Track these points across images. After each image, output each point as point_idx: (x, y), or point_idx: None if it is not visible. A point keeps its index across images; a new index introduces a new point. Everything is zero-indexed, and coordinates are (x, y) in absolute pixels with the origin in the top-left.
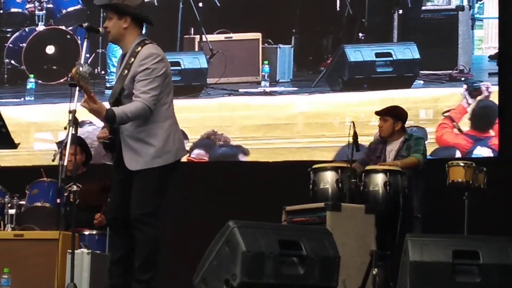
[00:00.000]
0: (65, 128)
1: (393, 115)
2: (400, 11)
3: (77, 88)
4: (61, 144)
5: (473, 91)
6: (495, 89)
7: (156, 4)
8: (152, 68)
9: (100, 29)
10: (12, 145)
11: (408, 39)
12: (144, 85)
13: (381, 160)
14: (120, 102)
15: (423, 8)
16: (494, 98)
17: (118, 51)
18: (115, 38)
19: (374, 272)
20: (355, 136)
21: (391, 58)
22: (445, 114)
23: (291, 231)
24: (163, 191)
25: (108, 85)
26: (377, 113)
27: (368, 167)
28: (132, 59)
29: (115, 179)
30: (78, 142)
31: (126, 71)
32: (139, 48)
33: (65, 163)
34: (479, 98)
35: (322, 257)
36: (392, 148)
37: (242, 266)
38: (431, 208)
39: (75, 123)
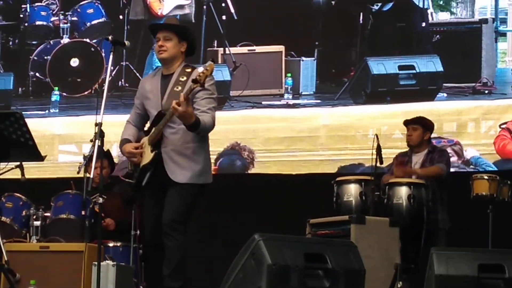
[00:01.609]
0: (91, 141)
1: (423, 125)
2: (423, 24)
3: (103, 101)
4: (88, 157)
5: None
6: None
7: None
8: (211, 90)
9: (126, 42)
10: (39, 157)
11: (431, 51)
12: (208, 102)
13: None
14: (163, 115)
15: (447, 20)
16: None
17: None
18: (170, 59)
19: (398, 286)
20: (379, 149)
21: (414, 71)
22: (502, 126)
23: (316, 244)
24: (194, 208)
25: None
26: (405, 122)
27: (391, 180)
28: (184, 78)
29: (146, 196)
30: (106, 155)
31: (179, 88)
32: (189, 69)
33: (92, 176)
34: None
35: (347, 270)
36: (417, 160)
37: (268, 279)
38: (455, 221)
39: (101, 135)
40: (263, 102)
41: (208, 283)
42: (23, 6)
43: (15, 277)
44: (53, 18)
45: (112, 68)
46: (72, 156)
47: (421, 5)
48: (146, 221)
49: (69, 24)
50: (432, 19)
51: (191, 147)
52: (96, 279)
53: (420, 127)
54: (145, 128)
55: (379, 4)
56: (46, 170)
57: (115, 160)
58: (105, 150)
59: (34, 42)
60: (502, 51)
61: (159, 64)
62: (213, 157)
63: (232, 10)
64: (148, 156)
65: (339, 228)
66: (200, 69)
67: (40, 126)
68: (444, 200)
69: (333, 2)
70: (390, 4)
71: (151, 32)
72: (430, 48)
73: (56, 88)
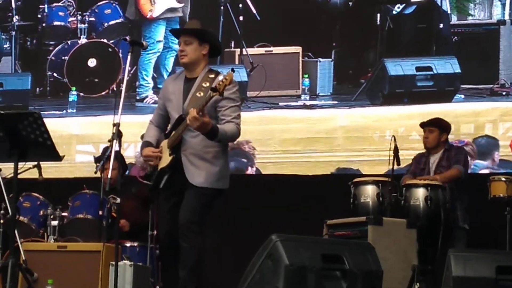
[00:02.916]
0: (109, 141)
1: (440, 127)
2: (441, 25)
3: (121, 101)
4: (100, 159)
5: None
6: None
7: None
8: (236, 96)
9: (144, 42)
10: (57, 157)
11: (449, 53)
12: (234, 111)
13: (425, 172)
14: (183, 120)
15: (464, 22)
16: None
17: (149, 65)
18: (192, 63)
19: (416, 287)
20: (396, 150)
21: (431, 72)
22: None
23: (334, 245)
24: (209, 211)
25: (138, 97)
26: (422, 124)
27: (408, 181)
28: (207, 84)
29: (162, 199)
30: (116, 156)
31: (201, 93)
32: (213, 75)
33: (109, 176)
34: None
35: (364, 271)
36: (434, 160)
37: (285, 280)
38: (473, 223)
39: (119, 136)
40: (280, 103)
41: (225, 284)
42: (41, 6)
43: (32, 277)
44: (70, 19)
45: (129, 68)
46: (89, 156)
47: (441, 6)
48: (161, 224)
49: (86, 25)
50: (450, 20)
51: (211, 151)
52: (114, 279)
53: (436, 129)
54: (167, 131)
55: (400, 7)
56: (63, 170)
57: (132, 161)
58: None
59: (51, 43)
60: None
61: (168, 65)
62: None
63: (254, 11)
64: (166, 159)
65: (356, 229)
66: (220, 77)
67: (58, 126)
68: (464, 199)
69: (350, 3)
70: (413, 8)
71: (174, 36)
72: (449, 49)
73: (74, 88)
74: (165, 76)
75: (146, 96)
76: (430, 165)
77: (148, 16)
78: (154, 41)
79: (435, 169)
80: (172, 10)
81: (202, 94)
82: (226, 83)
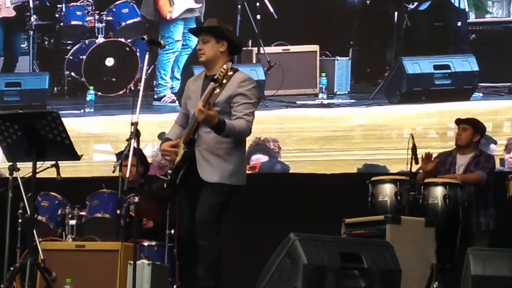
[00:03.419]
0: (127, 140)
1: (474, 126)
2: (459, 23)
3: (139, 100)
4: (121, 156)
5: None
6: None
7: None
8: (252, 94)
9: (162, 41)
10: (75, 157)
11: (467, 51)
12: (247, 107)
13: (451, 173)
14: None
15: (482, 20)
16: None
17: (168, 64)
18: (210, 61)
19: (434, 286)
20: (414, 148)
21: (449, 71)
22: None
23: (352, 244)
24: (227, 208)
25: (156, 96)
26: (457, 120)
27: (427, 180)
28: (225, 81)
29: (182, 195)
30: (136, 153)
31: (217, 90)
32: (231, 72)
33: (127, 175)
34: None
35: (383, 270)
36: (462, 162)
37: (304, 279)
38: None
39: (137, 135)
40: (298, 102)
41: (243, 283)
42: (58, 6)
43: (51, 276)
44: (88, 18)
45: (147, 67)
46: (107, 155)
47: (457, 5)
48: (182, 220)
49: (104, 24)
50: (468, 18)
51: (224, 147)
52: (132, 278)
53: (470, 128)
54: None
55: (415, 3)
56: (81, 170)
57: (149, 160)
58: (135, 147)
59: (69, 42)
60: None
61: (181, 62)
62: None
63: (271, 10)
64: (180, 154)
65: (374, 228)
66: (221, 68)
67: (75, 125)
68: (489, 202)
69: (368, 2)
70: (427, 4)
71: (194, 35)
72: (467, 48)
73: (91, 87)
74: (176, 73)
75: (164, 95)
76: (457, 167)
77: (167, 18)
78: (173, 40)
79: (462, 173)
80: (190, 10)
81: (218, 90)
82: (225, 72)
